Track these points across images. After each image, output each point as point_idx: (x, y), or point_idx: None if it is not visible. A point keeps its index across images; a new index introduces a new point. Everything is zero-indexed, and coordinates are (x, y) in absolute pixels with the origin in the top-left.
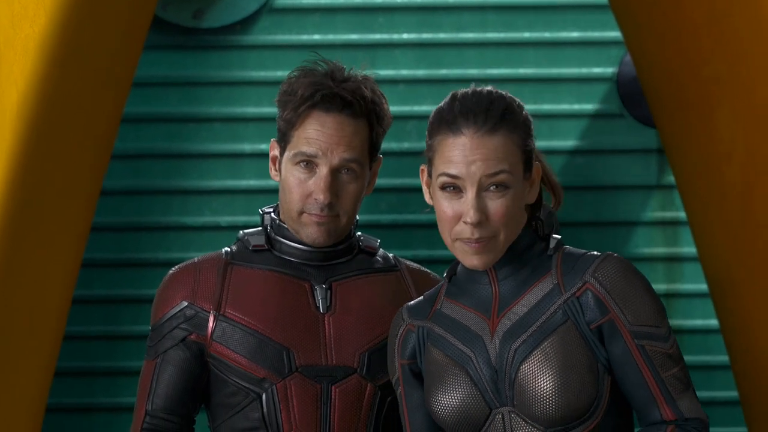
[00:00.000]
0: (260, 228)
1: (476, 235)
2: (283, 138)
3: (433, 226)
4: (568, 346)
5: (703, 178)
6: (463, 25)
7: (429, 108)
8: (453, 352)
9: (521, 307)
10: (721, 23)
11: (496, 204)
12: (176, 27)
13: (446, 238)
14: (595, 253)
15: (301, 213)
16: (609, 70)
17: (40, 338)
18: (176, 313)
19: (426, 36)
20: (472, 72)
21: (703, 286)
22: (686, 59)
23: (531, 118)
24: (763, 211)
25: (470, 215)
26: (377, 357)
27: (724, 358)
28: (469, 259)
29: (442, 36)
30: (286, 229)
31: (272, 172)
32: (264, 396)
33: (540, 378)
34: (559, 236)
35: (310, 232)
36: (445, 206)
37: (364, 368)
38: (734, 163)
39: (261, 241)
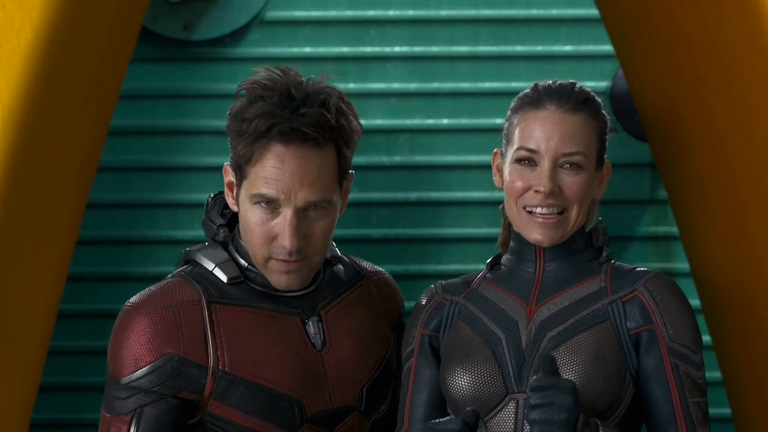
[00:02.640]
0: (212, 244)
1: (548, 203)
2: (239, 170)
3: (424, 240)
4: (600, 343)
5: (696, 193)
6: (455, 38)
7: (421, 121)
8: (483, 330)
9: (563, 300)
10: (714, 38)
11: (569, 179)
12: (166, 39)
13: (512, 208)
14: (646, 269)
15: (267, 259)
16: (602, 84)
17: (26, 352)
18: (160, 366)
19: (418, 49)
20: (465, 85)
21: (697, 302)
22: (679, 75)
23: (609, 123)
24: (755, 228)
25: (544, 184)
26: (373, 391)
27: (716, 374)
28: (535, 231)
29: (434, 49)
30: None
31: (230, 200)
32: None
33: (565, 370)
34: (610, 251)
35: (280, 280)
36: (516, 177)
37: (363, 404)
38: (727, 179)
39: (235, 271)
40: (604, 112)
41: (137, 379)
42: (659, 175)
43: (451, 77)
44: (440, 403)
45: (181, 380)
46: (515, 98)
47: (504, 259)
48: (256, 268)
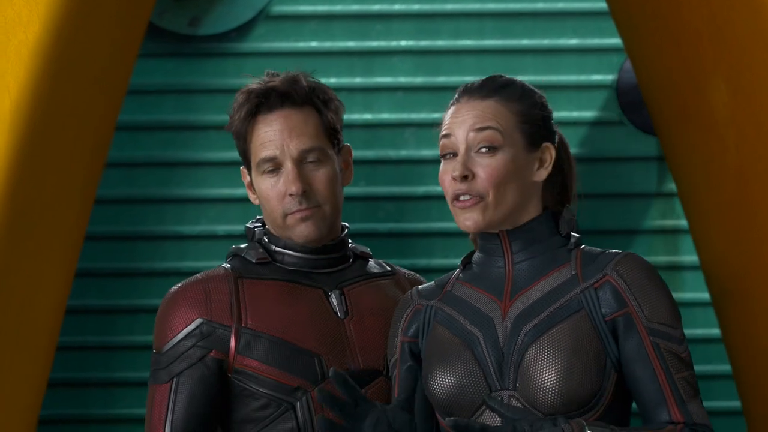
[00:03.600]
0: (253, 242)
1: (462, 189)
2: (245, 157)
3: (430, 235)
4: (577, 334)
5: (706, 186)
6: (461, 32)
7: (427, 115)
8: (460, 331)
9: (535, 292)
10: (723, 31)
11: (484, 162)
12: (172, 34)
13: (448, 203)
14: (616, 250)
15: (284, 217)
16: (608, 78)
17: (33, 348)
18: (191, 331)
19: (424, 43)
20: (470, 79)
21: (704, 295)
22: (687, 68)
23: (547, 111)
24: (765, 220)
25: (456, 168)
26: None
27: (724, 368)
28: (461, 218)
29: (440, 43)
30: (283, 239)
31: (251, 197)
32: (298, 405)
33: (545, 363)
34: (579, 236)
35: (299, 230)
36: (442, 172)
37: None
38: (736, 172)
39: (262, 253)
40: (537, 97)
41: (174, 345)
42: (667, 168)
43: (457, 71)
44: (426, 408)
45: (210, 341)
46: None
47: (475, 257)
48: (284, 249)
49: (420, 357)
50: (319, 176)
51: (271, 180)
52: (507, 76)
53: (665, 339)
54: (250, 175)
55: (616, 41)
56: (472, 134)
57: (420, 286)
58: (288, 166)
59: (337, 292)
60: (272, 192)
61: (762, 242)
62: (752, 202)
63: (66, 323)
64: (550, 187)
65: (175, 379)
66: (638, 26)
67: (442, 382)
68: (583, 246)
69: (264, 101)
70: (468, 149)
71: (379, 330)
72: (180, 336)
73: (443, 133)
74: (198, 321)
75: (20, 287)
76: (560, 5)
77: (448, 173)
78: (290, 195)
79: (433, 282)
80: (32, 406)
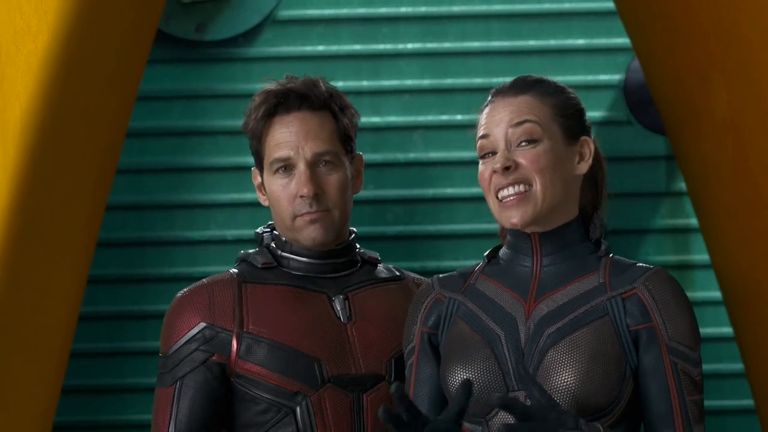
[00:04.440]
0: (261, 247)
1: (505, 182)
2: (258, 157)
3: (439, 237)
4: (599, 339)
5: (716, 185)
6: (467, 34)
7: (434, 118)
8: (482, 328)
9: (562, 296)
10: (730, 31)
11: (527, 154)
12: (179, 40)
13: (489, 201)
14: (647, 265)
15: (293, 218)
16: (615, 77)
17: (47, 356)
18: (194, 335)
19: (431, 45)
20: (478, 81)
21: (714, 294)
22: (695, 67)
23: (581, 106)
24: None
25: (497, 160)
26: (403, 364)
27: (735, 366)
28: (505, 215)
29: (446, 45)
30: (290, 244)
31: (261, 198)
32: (298, 409)
33: (564, 366)
34: (608, 244)
35: (307, 233)
36: (482, 169)
37: (392, 375)
38: (746, 171)
39: (269, 258)
40: (570, 93)
41: (178, 349)
42: (676, 167)
43: (465, 73)
44: (441, 399)
45: (212, 345)
46: None
47: (501, 252)
48: (290, 254)
49: (438, 349)
50: (331, 181)
51: (283, 181)
52: (537, 75)
53: (683, 360)
54: (261, 175)
55: (622, 41)
56: (510, 130)
57: (441, 275)
58: (301, 167)
59: (341, 296)
60: (283, 193)
61: None
62: (762, 200)
63: (76, 330)
64: (585, 188)
65: (178, 383)
66: (646, 26)
67: (461, 378)
68: (612, 255)
69: (282, 102)
70: (508, 145)
71: (383, 335)
72: (183, 340)
73: (481, 134)
74: (201, 325)
75: (32, 293)
76: (567, 6)
77: (488, 169)
78: (301, 197)
79: (455, 271)
80: (46, 413)
